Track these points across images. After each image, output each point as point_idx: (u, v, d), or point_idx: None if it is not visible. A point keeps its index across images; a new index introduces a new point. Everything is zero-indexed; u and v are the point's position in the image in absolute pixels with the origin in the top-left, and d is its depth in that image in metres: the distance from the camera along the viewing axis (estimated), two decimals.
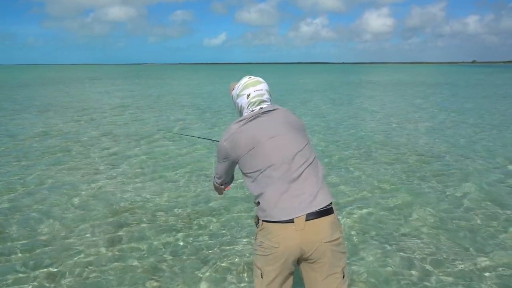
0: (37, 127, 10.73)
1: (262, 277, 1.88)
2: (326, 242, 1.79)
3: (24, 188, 5.56)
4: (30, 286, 3.17)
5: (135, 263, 3.51)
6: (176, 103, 17.49)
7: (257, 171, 1.86)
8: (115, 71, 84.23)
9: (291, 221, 1.76)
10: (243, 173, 1.97)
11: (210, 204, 4.92)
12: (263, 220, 1.83)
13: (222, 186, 2.27)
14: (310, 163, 1.88)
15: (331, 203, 1.85)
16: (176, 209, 4.78)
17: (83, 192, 5.36)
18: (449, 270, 3.37)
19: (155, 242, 3.90)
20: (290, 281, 1.94)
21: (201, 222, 4.39)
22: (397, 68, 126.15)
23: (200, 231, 4.15)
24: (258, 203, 1.87)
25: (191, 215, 4.60)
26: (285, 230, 1.77)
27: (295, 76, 50.13)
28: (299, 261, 1.88)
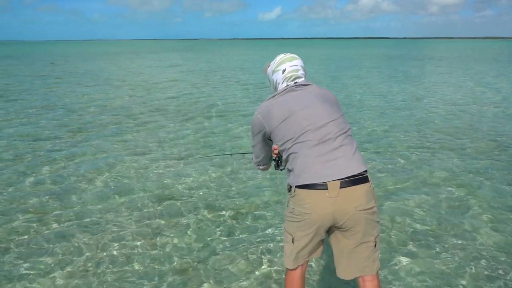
0: (92, 101, 11.21)
1: (293, 242, 1.89)
2: (360, 210, 1.76)
3: (70, 162, 5.78)
4: (53, 265, 3.24)
5: (174, 258, 3.28)
6: (226, 78, 17.45)
7: (290, 139, 1.85)
8: (172, 46, 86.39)
9: (324, 187, 1.73)
10: (277, 144, 1.95)
11: (263, 196, 4.47)
12: (296, 186, 1.80)
13: (261, 167, 2.27)
14: (345, 132, 1.87)
15: (365, 171, 1.81)
16: (225, 197, 4.42)
17: (128, 173, 5.28)
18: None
19: (197, 236, 3.71)
20: (320, 248, 1.95)
21: (251, 216, 3.97)
22: (467, 43, 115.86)
23: (249, 227, 3.74)
24: (290, 170, 1.86)
25: (241, 206, 4.20)
26: (319, 197, 1.75)
27: (352, 51, 47.94)
28: (330, 228, 1.87)
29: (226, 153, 6.10)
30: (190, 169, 5.38)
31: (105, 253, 3.30)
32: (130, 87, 14.29)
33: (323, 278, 2.95)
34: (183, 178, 5.07)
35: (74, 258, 3.23)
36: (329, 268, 2.98)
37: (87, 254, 3.29)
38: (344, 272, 1.93)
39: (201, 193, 4.58)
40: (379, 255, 1.94)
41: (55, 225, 3.80)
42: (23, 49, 69.63)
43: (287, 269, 1.98)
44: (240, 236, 3.59)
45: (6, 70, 22.42)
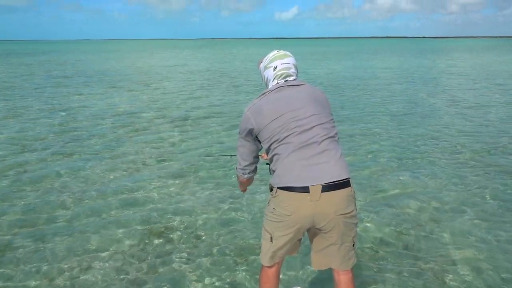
0: (96, 104, 10.59)
1: (271, 241, 1.91)
2: (339, 215, 1.79)
3: (55, 178, 5.18)
4: None
5: None
6: (234, 80, 16.79)
7: (276, 140, 1.84)
8: (188, 45, 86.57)
9: (306, 190, 1.74)
10: (263, 144, 1.93)
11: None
12: (277, 187, 1.81)
13: (246, 176, 2.14)
14: (331, 137, 1.86)
15: (348, 178, 1.81)
16: (228, 234, 3.57)
17: (117, 196, 4.47)
18: None
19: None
20: (297, 248, 2.00)
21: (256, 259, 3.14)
22: (488, 42, 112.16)
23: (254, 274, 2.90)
24: (274, 171, 1.86)
25: (245, 245, 3.38)
26: (300, 200, 1.76)
27: (369, 47, 46.66)
28: (310, 228, 1.88)
29: (227, 154, 5.38)
30: (191, 194, 4.67)
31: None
32: (136, 90, 13.65)
33: (298, 270, 2.97)
34: (179, 206, 4.36)
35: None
36: (304, 260, 2.95)
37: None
38: (319, 265, 1.99)
39: (202, 224, 3.87)
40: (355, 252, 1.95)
41: (28, 242, 3.40)
42: (43, 47, 70.75)
43: (263, 265, 2.01)
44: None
45: (19, 68, 22.38)
